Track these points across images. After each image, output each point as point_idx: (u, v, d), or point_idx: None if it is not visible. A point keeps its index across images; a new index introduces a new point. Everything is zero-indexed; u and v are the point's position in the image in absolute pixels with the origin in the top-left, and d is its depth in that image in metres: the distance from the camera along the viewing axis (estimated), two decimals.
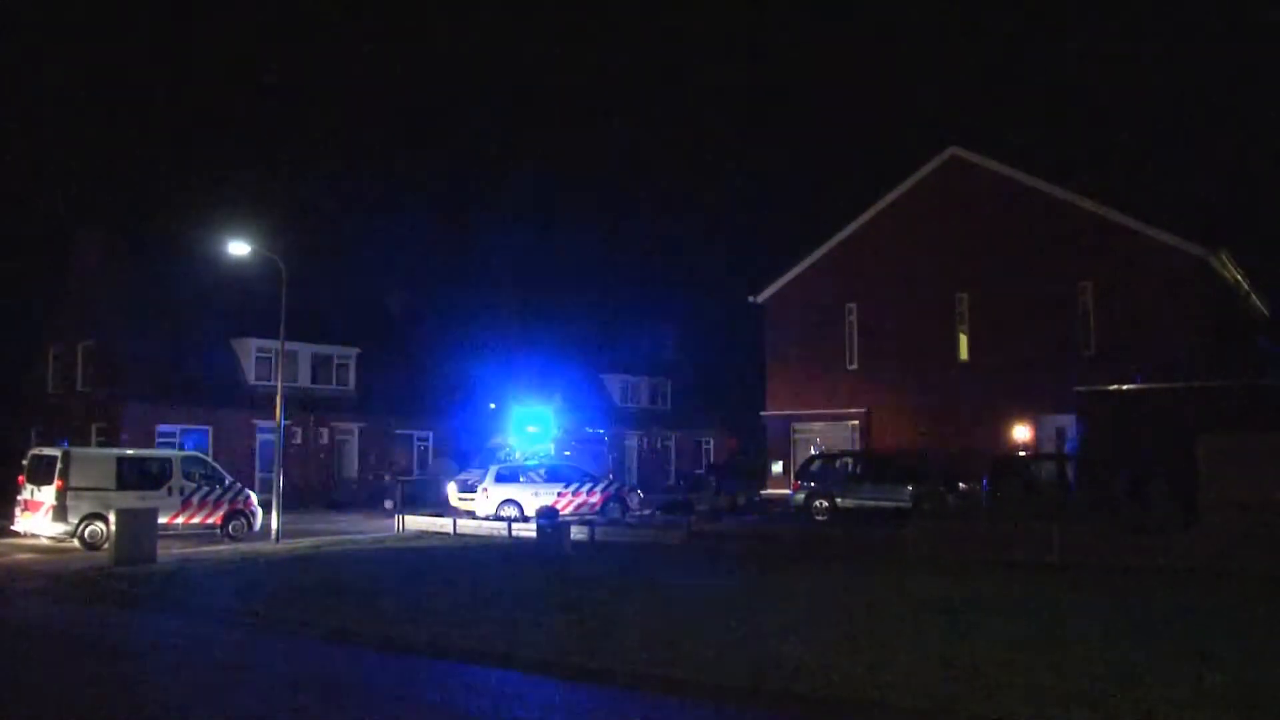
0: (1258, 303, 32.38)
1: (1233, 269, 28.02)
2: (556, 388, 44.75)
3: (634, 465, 47.19)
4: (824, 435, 31.39)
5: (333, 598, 13.47)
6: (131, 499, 20.51)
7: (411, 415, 39.79)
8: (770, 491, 31.04)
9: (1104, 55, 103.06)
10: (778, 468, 31.79)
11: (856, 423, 30.71)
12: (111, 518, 18.33)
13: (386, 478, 36.25)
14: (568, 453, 31.53)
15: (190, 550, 20.06)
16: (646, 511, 28.99)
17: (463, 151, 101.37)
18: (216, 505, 22.44)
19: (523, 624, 11.34)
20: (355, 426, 37.63)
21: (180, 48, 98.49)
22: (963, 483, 24.53)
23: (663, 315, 57.47)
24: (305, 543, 21.47)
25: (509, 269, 74.92)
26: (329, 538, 22.71)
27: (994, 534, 17.69)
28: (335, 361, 37.54)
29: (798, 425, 32.07)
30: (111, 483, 21.09)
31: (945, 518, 21.85)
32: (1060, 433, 27.12)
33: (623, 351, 50.75)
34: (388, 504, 33.05)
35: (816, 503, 25.48)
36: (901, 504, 23.80)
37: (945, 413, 28.69)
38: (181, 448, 29.64)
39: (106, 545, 19.04)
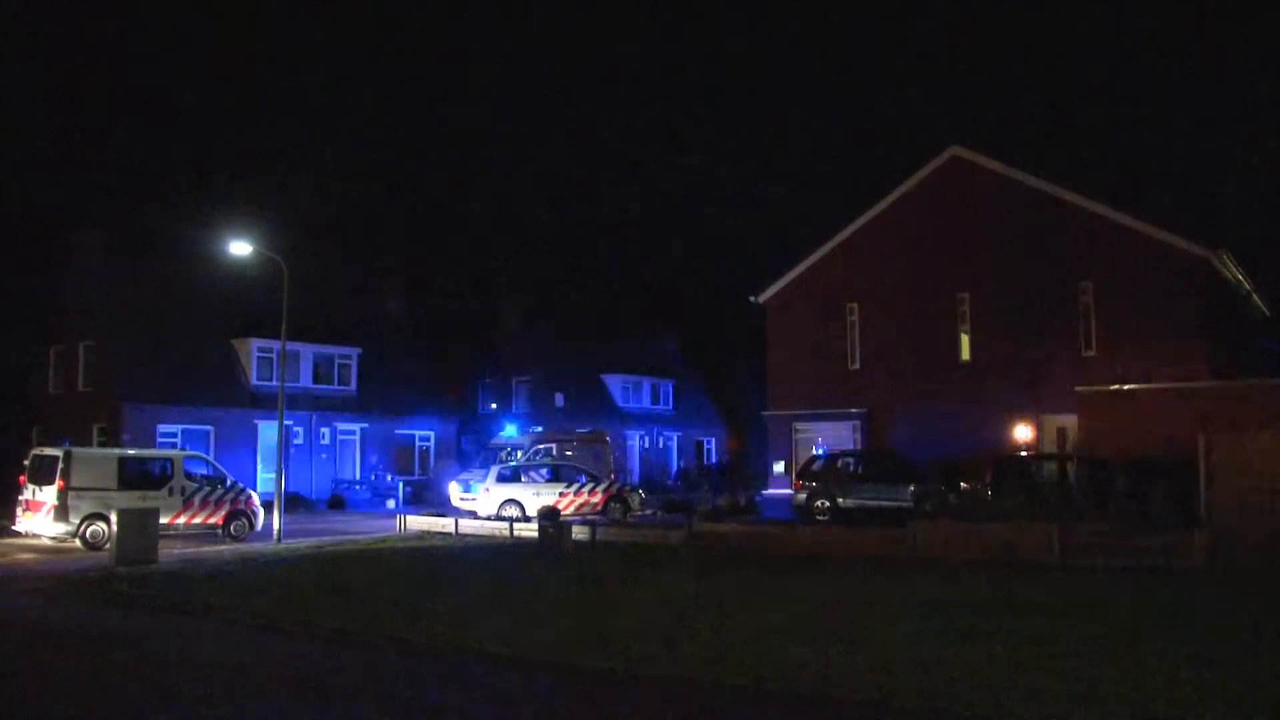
0: (1258, 302, 32.35)
1: (1233, 269, 28.00)
2: (557, 387, 44.87)
3: (635, 465, 47.24)
4: (825, 435, 31.38)
5: (334, 598, 13.49)
6: (133, 499, 20.53)
7: (413, 415, 39.83)
8: (772, 491, 31.04)
9: (1104, 55, 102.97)
10: (779, 467, 31.78)
11: (858, 422, 30.70)
12: (113, 518, 18.36)
13: (388, 477, 36.29)
14: (569, 453, 31.54)
15: (192, 550, 20.09)
16: (648, 512, 29.01)
17: (462, 150, 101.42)
18: (218, 505, 22.45)
19: (524, 624, 11.35)
20: (356, 426, 37.67)
21: (180, 47, 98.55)
22: (964, 482, 24.52)
23: (664, 315, 57.52)
24: (307, 543, 21.49)
25: (510, 268, 74.90)
26: (330, 538, 22.73)
27: (995, 534, 17.68)
28: (336, 361, 37.58)
29: (799, 425, 32.06)
30: (113, 483, 21.10)
31: (946, 518, 21.83)
32: (1061, 433, 27.12)
33: (624, 351, 50.79)
34: (389, 504, 33.10)
35: (818, 503, 25.48)
36: (903, 504, 23.79)
37: (946, 412, 28.67)
38: (183, 448, 29.65)
39: (108, 545, 19.06)
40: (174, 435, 32.13)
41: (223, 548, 20.84)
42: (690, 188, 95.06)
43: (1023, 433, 27.64)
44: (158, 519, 18.96)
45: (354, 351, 37.99)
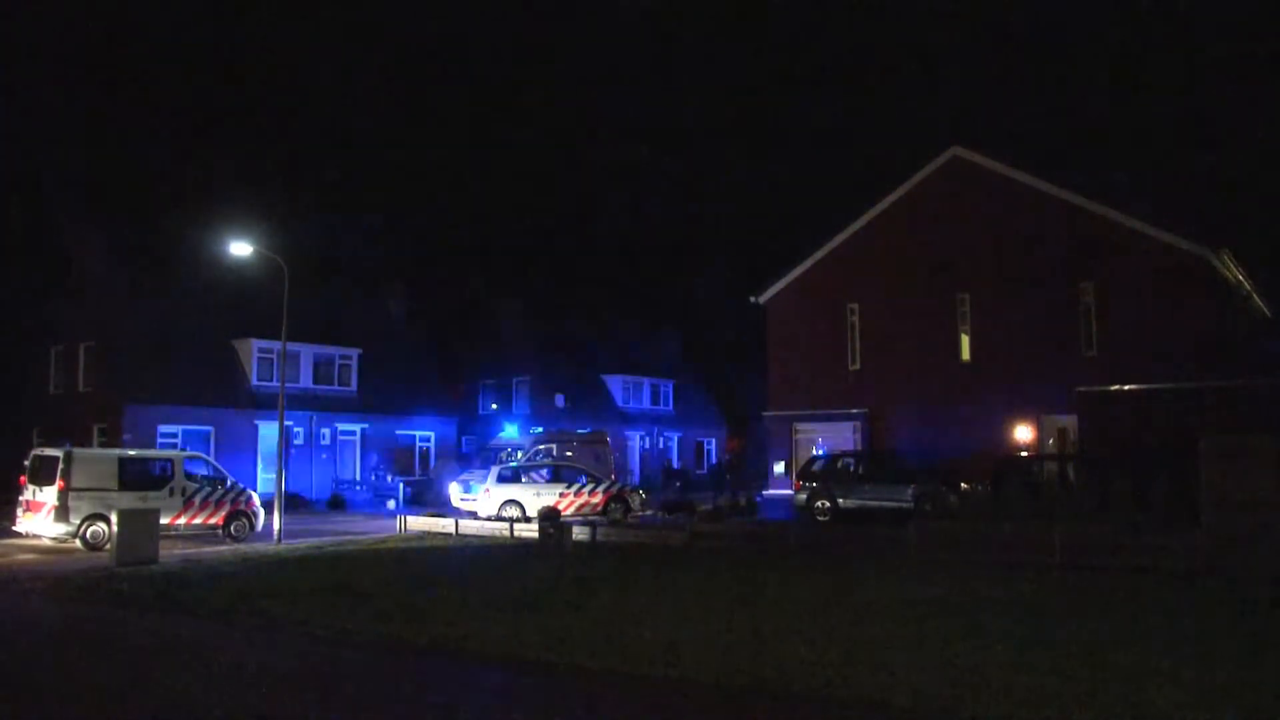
0: (1259, 303, 32.35)
1: (1234, 269, 27.99)
2: (557, 387, 44.86)
3: (636, 465, 47.24)
4: (826, 435, 31.38)
5: (334, 598, 13.50)
6: (133, 499, 20.53)
7: (413, 415, 39.83)
8: (772, 492, 31.04)
9: (1105, 54, 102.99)
10: (779, 468, 31.79)
11: (858, 423, 30.70)
12: (113, 518, 18.36)
13: (388, 478, 36.28)
14: (569, 453, 31.54)
15: (192, 551, 20.09)
16: (648, 512, 29.00)
17: (463, 151, 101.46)
18: (218, 506, 22.44)
19: (524, 624, 11.36)
20: (357, 427, 37.67)
21: (181, 47, 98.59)
22: (964, 483, 24.53)
23: (665, 315, 57.57)
24: (307, 544, 21.49)
25: (511, 269, 74.93)
26: (331, 538, 22.73)
27: (995, 534, 17.69)
28: (337, 362, 37.58)
29: (799, 425, 32.07)
30: (113, 483, 21.09)
31: (947, 518, 21.84)
32: (1061, 433, 27.15)
33: (624, 351, 50.80)
34: (390, 504, 33.08)
35: (818, 503, 25.48)
36: (903, 504, 23.79)
37: (947, 413, 28.68)
38: (183, 448, 29.65)
39: (108, 546, 19.06)
40: (174, 435, 32.13)
41: (223, 548, 20.84)
42: (690, 188, 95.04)
43: (1023, 433, 27.66)
44: (158, 519, 18.95)
45: (354, 351, 37.99)
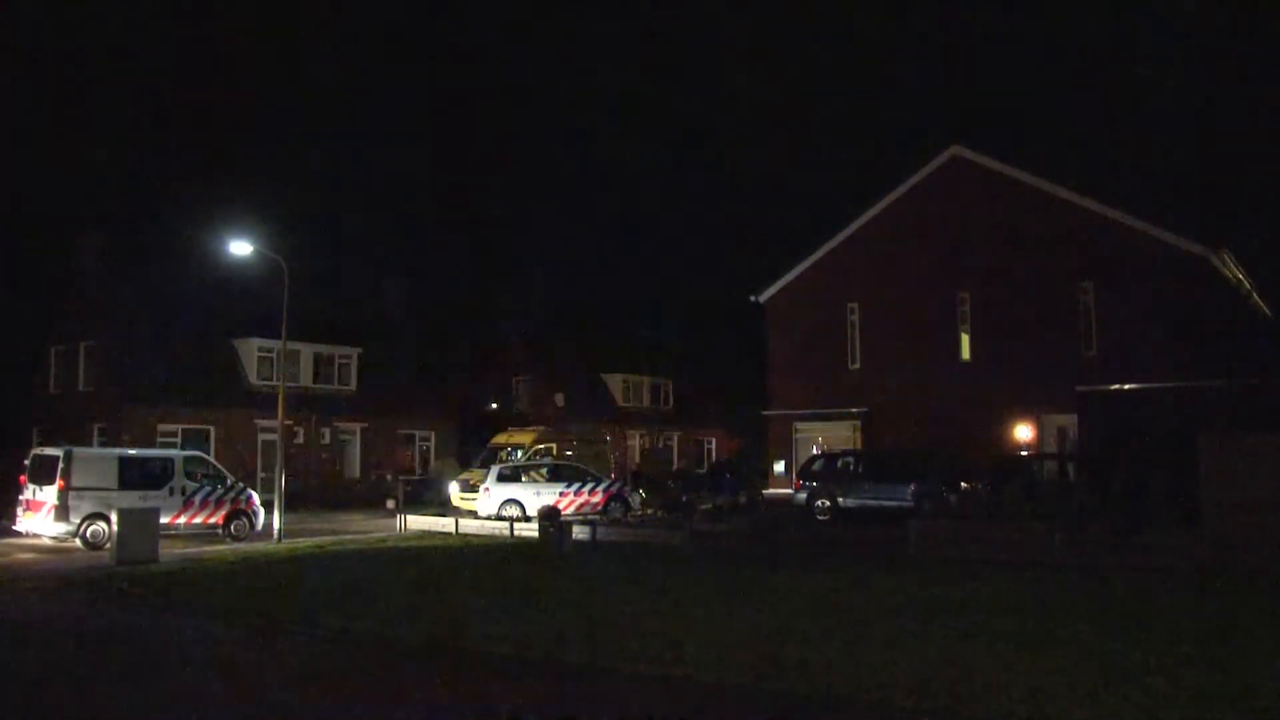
0: (1259, 302, 32.38)
1: (1234, 268, 28.02)
2: (557, 387, 44.83)
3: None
4: (826, 435, 31.40)
5: (334, 597, 13.49)
6: (133, 499, 20.52)
7: (413, 415, 39.79)
8: (772, 491, 31.05)
9: (1105, 54, 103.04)
10: (779, 467, 31.81)
11: (858, 422, 30.71)
12: (113, 518, 18.37)
13: (388, 477, 36.24)
14: (569, 453, 31.52)
15: (192, 550, 20.09)
16: (649, 511, 28.98)
17: (463, 150, 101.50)
18: (218, 505, 22.44)
19: (525, 623, 11.36)
20: (357, 426, 37.63)
21: (181, 47, 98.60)
22: (964, 483, 24.52)
23: (665, 314, 57.60)
24: (307, 543, 21.48)
25: (511, 268, 74.91)
26: (331, 538, 22.73)
27: (995, 534, 17.69)
28: (337, 361, 37.54)
29: (799, 425, 32.09)
30: (113, 483, 21.08)
31: (947, 518, 21.85)
32: (1061, 432, 27.16)
33: (624, 351, 50.79)
34: (389, 504, 33.04)
35: (818, 502, 25.47)
36: (903, 504, 23.78)
37: (947, 412, 28.69)
38: (183, 448, 29.62)
39: (108, 545, 19.08)
40: (174, 435, 32.09)
41: (223, 547, 20.84)
42: (691, 186, 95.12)
43: (1023, 433, 27.67)
44: (158, 519, 18.96)
45: (354, 351, 37.95)
